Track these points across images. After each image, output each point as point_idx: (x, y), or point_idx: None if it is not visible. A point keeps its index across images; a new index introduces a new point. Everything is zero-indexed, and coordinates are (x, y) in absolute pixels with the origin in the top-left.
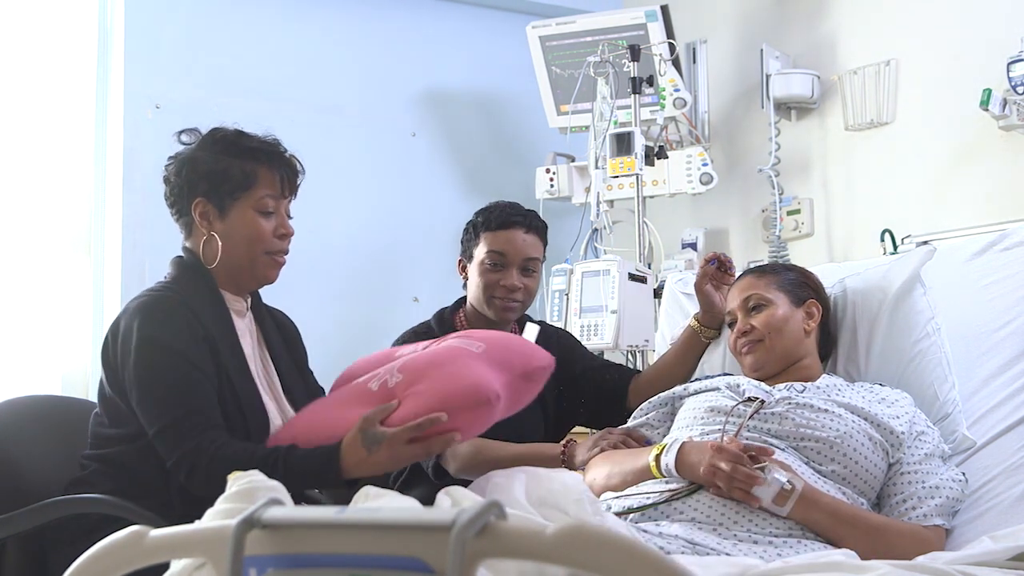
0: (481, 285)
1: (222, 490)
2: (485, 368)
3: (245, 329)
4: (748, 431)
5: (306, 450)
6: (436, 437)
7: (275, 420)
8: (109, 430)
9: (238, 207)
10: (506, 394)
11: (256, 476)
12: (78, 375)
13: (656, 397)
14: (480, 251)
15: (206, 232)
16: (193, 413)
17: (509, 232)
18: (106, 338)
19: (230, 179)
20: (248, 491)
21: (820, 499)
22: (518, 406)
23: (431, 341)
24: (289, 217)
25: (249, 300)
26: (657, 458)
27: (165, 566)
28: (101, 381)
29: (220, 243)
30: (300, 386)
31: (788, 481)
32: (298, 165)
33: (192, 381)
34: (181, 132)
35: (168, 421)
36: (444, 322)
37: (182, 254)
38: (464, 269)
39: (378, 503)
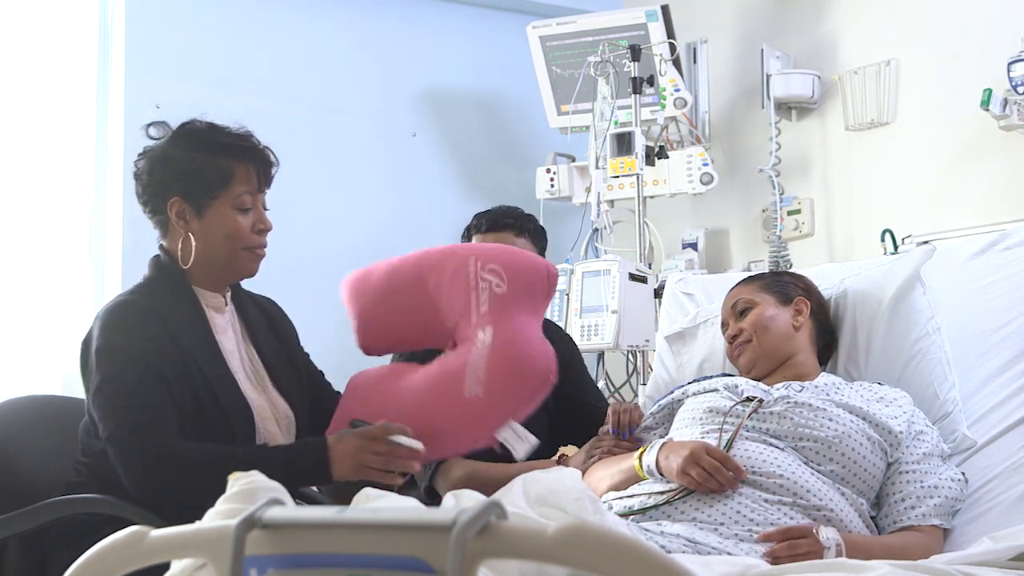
0: None
1: (197, 494)
2: (528, 325)
3: (226, 325)
4: (747, 431)
5: (287, 443)
6: (400, 459)
7: (262, 412)
8: (96, 441)
9: (216, 206)
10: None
11: (256, 476)
12: (78, 375)
13: (655, 403)
14: None
15: (183, 232)
16: (151, 422)
17: (500, 235)
18: (81, 345)
19: (206, 178)
20: (248, 491)
21: (853, 540)
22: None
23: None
24: (265, 209)
25: (229, 293)
26: (641, 457)
27: (165, 566)
28: (86, 389)
29: (196, 243)
30: (286, 371)
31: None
32: (272, 156)
33: (150, 389)
34: (149, 125)
35: (126, 429)
36: None
37: (159, 253)
38: None
39: (379, 503)
